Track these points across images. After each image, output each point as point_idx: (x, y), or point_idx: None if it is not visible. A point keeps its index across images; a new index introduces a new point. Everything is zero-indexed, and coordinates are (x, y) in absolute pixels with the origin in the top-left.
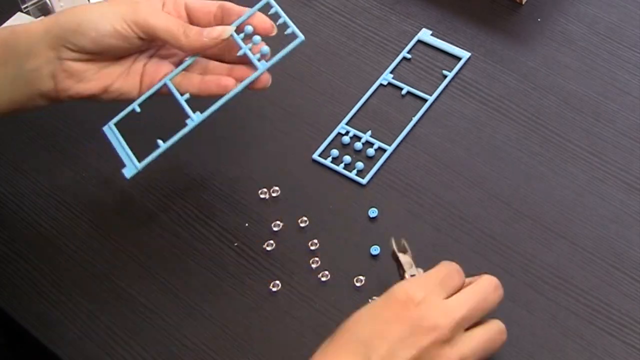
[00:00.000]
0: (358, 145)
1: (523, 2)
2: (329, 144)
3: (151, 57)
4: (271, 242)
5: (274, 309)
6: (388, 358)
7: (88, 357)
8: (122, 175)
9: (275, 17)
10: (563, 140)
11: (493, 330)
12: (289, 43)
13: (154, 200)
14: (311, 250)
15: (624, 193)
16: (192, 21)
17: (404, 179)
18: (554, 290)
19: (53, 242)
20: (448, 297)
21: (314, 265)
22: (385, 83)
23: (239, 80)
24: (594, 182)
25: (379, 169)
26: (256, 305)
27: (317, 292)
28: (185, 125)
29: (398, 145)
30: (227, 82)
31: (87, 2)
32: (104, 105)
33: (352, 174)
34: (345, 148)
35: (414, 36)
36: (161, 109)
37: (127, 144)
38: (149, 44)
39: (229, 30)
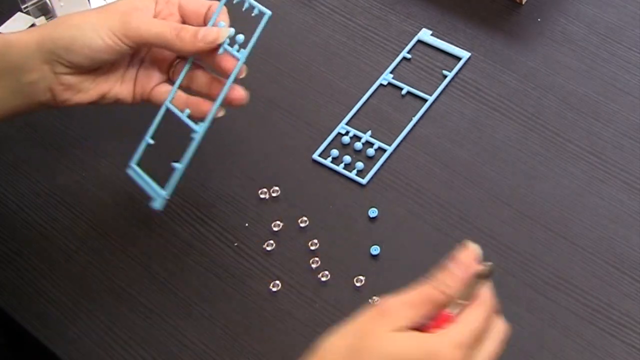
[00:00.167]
0: (358, 145)
1: (523, 2)
2: (329, 144)
3: (142, 61)
4: (271, 242)
5: (274, 309)
6: None
7: (88, 357)
8: (152, 206)
9: (240, 4)
10: (563, 140)
11: (499, 335)
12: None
13: None
14: (311, 250)
15: (624, 193)
16: (184, 20)
17: (404, 179)
18: (554, 290)
19: (53, 242)
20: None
21: (314, 265)
22: (385, 83)
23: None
24: (594, 182)
25: (379, 169)
26: (256, 305)
27: (317, 292)
28: (191, 139)
29: (398, 145)
30: (206, 109)
31: (87, 2)
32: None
33: (352, 174)
34: (345, 148)
35: (414, 36)
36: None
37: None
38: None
39: (224, 34)
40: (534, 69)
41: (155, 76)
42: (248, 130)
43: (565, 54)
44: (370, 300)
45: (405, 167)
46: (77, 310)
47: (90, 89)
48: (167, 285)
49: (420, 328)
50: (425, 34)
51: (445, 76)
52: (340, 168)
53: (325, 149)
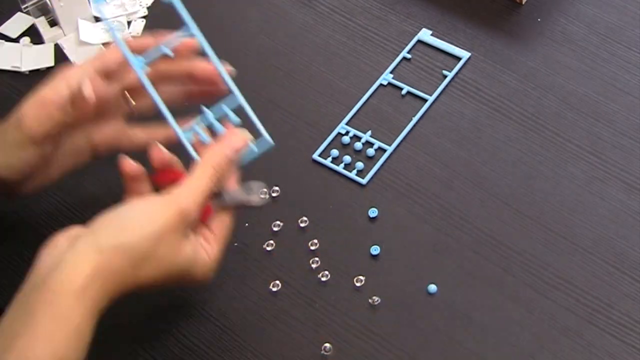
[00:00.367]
0: (358, 145)
1: (523, 2)
2: (329, 144)
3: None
4: (271, 242)
5: (274, 309)
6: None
7: (88, 357)
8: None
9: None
10: (563, 140)
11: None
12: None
13: None
14: (311, 250)
15: (624, 193)
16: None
17: (404, 179)
18: (554, 290)
19: None
20: None
21: (314, 265)
22: (385, 83)
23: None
24: (594, 182)
25: (379, 169)
26: (256, 305)
27: (317, 292)
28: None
29: (398, 145)
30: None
31: (87, 2)
32: None
33: (352, 174)
34: (345, 148)
35: (414, 36)
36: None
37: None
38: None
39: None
40: (534, 69)
41: (111, 125)
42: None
43: (565, 54)
44: (370, 300)
45: (405, 167)
46: None
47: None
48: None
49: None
50: (425, 34)
51: (445, 76)
52: (340, 168)
53: (325, 149)
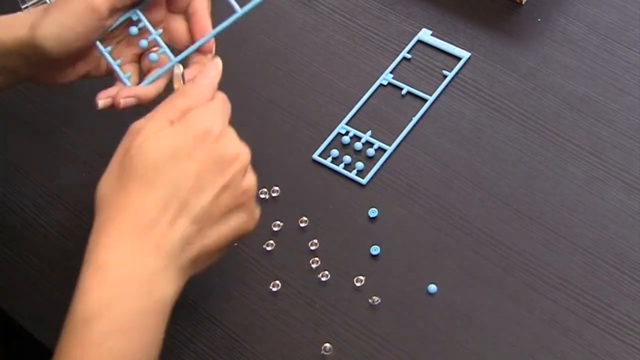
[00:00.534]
0: (358, 145)
1: (523, 2)
2: (329, 144)
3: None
4: (271, 242)
5: (274, 309)
6: (198, 191)
7: None
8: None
9: None
10: (563, 140)
11: None
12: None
13: None
14: (311, 250)
15: (624, 193)
16: None
17: (404, 179)
18: (554, 290)
19: (53, 242)
20: None
21: (314, 265)
22: (385, 83)
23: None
24: (594, 182)
25: (379, 169)
26: (256, 305)
27: (317, 292)
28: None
29: (398, 145)
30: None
31: None
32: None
33: (352, 174)
34: (345, 148)
35: (414, 36)
36: None
37: None
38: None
39: None
40: (534, 69)
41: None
42: (248, 130)
43: (565, 54)
44: (370, 300)
45: (405, 167)
46: None
47: (70, 74)
48: None
49: None
50: (425, 34)
51: (445, 76)
52: (340, 168)
53: (325, 149)
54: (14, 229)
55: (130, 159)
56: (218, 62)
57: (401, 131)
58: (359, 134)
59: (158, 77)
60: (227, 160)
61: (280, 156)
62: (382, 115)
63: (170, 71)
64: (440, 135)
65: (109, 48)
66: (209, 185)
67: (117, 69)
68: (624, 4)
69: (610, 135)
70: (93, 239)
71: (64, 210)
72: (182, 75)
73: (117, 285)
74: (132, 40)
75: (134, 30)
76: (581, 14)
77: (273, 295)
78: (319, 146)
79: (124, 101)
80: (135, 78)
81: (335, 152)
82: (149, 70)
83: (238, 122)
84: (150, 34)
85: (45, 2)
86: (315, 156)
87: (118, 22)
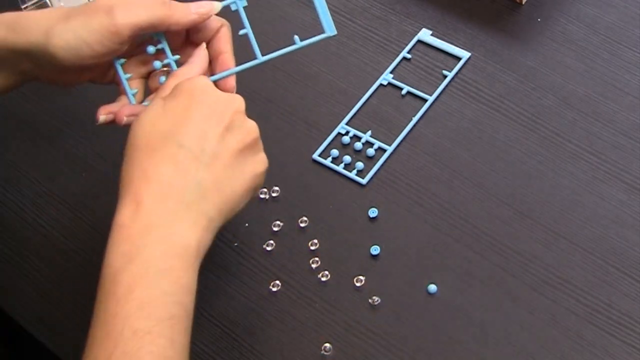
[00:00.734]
0: (358, 145)
1: (523, 2)
2: (329, 144)
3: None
4: (271, 242)
5: (274, 309)
6: (200, 138)
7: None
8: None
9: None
10: (563, 140)
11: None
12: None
13: None
14: (311, 250)
15: (624, 193)
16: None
17: (404, 179)
18: (554, 290)
19: (53, 242)
20: None
21: (314, 265)
22: (385, 83)
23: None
24: (594, 182)
25: (379, 169)
26: (256, 305)
27: (317, 292)
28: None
29: (398, 145)
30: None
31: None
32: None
33: (352, 174)
34: (345, 148)
35: (414, 36)
36: None
37: None
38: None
39: (218, 5)
40: (534, 69)
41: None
42: None
43: (565, 54)
44: (370, 300)
45: (405, 167)
46: (77, 310)
47: (74, 79)
48: None
49: None
50: (425, 34)
51: (445, 76)
52: (340, 168)
53: (325, 149)
54: (14, 229)
55: (131, 137)
56: (203, 46)
57: (401, 131)
58: (359, 134)
59: None
60: (222, 103)
61: (280, 156)
62: (382, 115)
63: None
64: (440, 135)
65: (122, 60)
66: (210, 129)
67: (126, 84)
68: (624, 4)
69: (610, 135)
70: (116, 211)
71: (64, 210)
72: None
73: (138, 238)
74: (145, 58)
75: (151, 49)
76: (581, 14)
77: (273, 295)
78: (319, 146)
79: (127, 119)
80: (140, 96)
81: (335, 152)
82: (154, 90)
83: None
84: (167, 57)
85: (45, 2)
86: (315, 156)
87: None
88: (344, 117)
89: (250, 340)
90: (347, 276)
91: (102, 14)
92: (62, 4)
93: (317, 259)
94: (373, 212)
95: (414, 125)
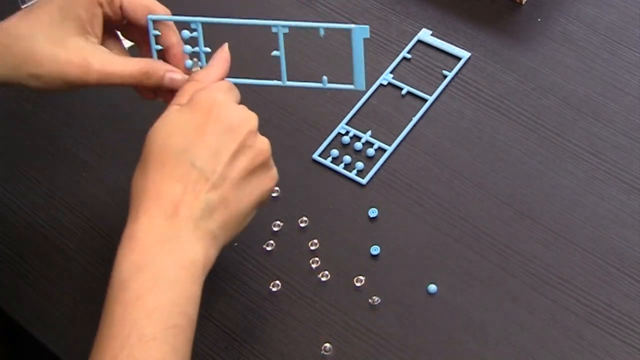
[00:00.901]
0: (358, 145)
1: (523, 2)
2: (329, 144)
3: None
4: (271, 242)
5: (274, 309)
6: (213, 158)
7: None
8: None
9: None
10: (563, 140)
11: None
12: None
13: None
14: (311, 250)
15: (624, 193)
16: (127, 16)
17: (404, 179)
18: (554, 290)
19: (53, 242)
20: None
21: (314, 265)
22: (385, 83)
23: None
24: (594, 182)
25: (379, 169)
26: (256, 305)
27: (317, 292)
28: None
29: (398, 145)
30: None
31: None
32: (104, 106)
33: (352, 174)
34: (345, 148)
35: (414, 36)
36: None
37: None
38: None
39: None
40: (534, 69)
41: None
42: None
43: (565, 54)
44: (370, 300)
45: (405, 167)
46: (77, 310)
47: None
48: None
49: None
50: (425, 34)
51: (445, 76)
52: (340, 168)
53: (325, 149)
54: (14, 229)
55: (146, 146)
56: (225, 47)
57: (401, 131)
58: (359, 134)
59: None
60: (235, 124)
61: (280, 156)
62: (382, 115)
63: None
64: (440, 135)
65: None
66: (222, 151)
67: (152, 41)
68: (624, 4)
69: (610, 135)
70: (127, 223)
71: (64, 210)
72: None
73: (148, 249)
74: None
75: (186, 34)
76: (581, 14)
77: (273, 295)
78: (319, 146)
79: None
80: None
81: (335, 152)
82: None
83: None
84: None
85: None
86: (315, 156)
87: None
88: (344, 117)
89: (250, 340)
90: (347, 276)
91: (77, 69)
92: None
93: (317, 259)
94: (373, 212)
95: (414, 125)
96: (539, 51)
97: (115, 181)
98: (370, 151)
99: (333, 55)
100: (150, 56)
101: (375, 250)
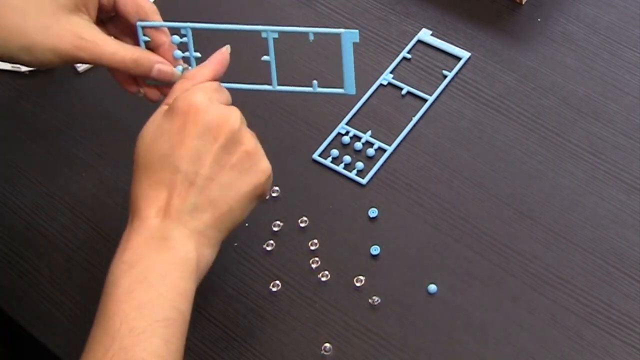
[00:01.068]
0: (358, 145)
1: (523, 2)
2: (329, 144)
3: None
4: (271, 242)
5: (274, 309)
6: (195, 160)
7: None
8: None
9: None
10: (563, 140)
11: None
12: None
13: None
14: (311, 250)
15: (624, 193)
16: (117, 8)
17: (404, 179)
18: (554, 290)
19: (53, 242)
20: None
21: (314, 265)
22: (385, 83)
23: None
24: (594, 182)
25: (379, 169)
26: (256, 305)
27: (317, 292)
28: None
29: (398, 145)
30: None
31: None
32: (104, 106)
33: (352, 174)
34: (345, 148)
35: (414, 36)
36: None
37: None
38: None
39: (177, 75)
40: (534, 69)
41: None
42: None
43: (565, 54)
44: (370, 300)
45: (405, 167)
46: (77, 310)
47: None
48: None
49: None
50: (425, 34)
51: (445, 76)
52: (340, 168)
53: (325, 149)
54: (14, 229)
55: (135, 152)
56: (225, 49)
57: (401, 131)
58: (359, 134)
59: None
60: (213, 124)
61: (280, 156)
62: (382, 115)
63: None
64: (440, 135)
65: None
66: (205, 152)
67: (140, 32)
68: (624, 4)
69: (610, 135)
70: (124, 231)
71: (64, 210)
72: None
73: (140, 248)
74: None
75: (176, 39)
76: (581, 14)
77: (273, 295)
78: (319, 146)
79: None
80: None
81: (335, 152)
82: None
83: None
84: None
85: None
86: (315, 156)
87: (169, 25)
88: (344, 117)
89: (250, 340)
90: (347, 276)
91: (69, 43)
92: None
93: (317, 259)
94: (373, 212)
95: (414, 125)
96: (539, 51)
97: (115, 181)
98: (370, 151)
99: (326, 58)
100: None
101: (375, 250)
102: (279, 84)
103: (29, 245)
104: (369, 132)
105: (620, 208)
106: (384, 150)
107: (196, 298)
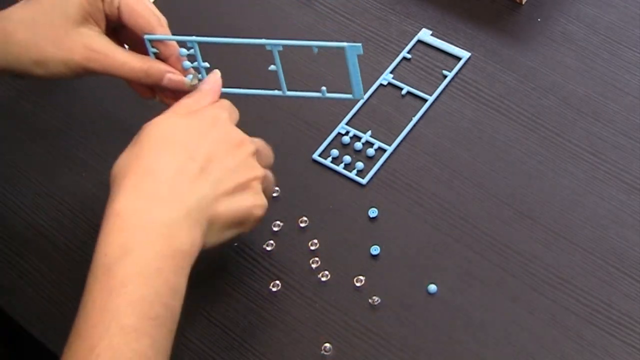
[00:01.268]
0: (358, 145)
1: (523, 2)
2: (329, 144)
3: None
4: (271, 242)
5: (274, 309)
6: (213, 161)
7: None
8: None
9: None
10: (563, 140)
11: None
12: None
13: None
14: (311, 250)
15: (624, 193)
16: (122, 18)
17: (404, 179)
18: (554, 290)
19: (53, 242)
20: None
21: (314, 265)
22: (385, 83)
23: None
24: (594, 182)
25: (379, 169)
26: (256, 305)
27: (317, 292)
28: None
29: (398, 145)
30: None
31: None
32: (104, 105)
33: (352, 174)
34: (345, 148)
35: (414, 36)
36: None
37: None
38: None
39: (187, 83)
40: (534, 69)
41: None
42: (248, 130)
43: (565, 54)
44: (370, 300)
45: (405, 167)
46: (77, 310)
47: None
48: None
49: None
50: (425, 34)
51: (445, 76)
52: (340, 168)
53: (325, 149)
54: (14, 229)
55: (141, 135)
56: (217, 72)
57: (401, 131)
58: (359, 134)
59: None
60: (235, 142)
61: (280, 156)
62: (382, 115)
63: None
64: (440, 135)
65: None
66: (223, 158)
67: (149, 45)
68: (624, 4)
69: (610, 135)
70: (110, 199)
71: (64, 210)
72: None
73: (138, 232)
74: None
75: (183, 51)
76: (581, 14)
77: (273, 295)
78: (319, 146)
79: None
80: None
81: (335, 152)
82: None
83: (238, 122)
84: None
85: None
86: (315, 156)
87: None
88: (344, 117)
89: (250, 340)
90: (347, 276)
91: (80, 55)
92: None
93: (317, 259)
94: (373, 212)
95: (414, 125)
96: (539, 51)
97: None
98: (370, 151)
99: (333, 55)
100: None
101: (375, 250)
102: (287, 90)
103: (29, 246)
104: (369, 132)
105: (620, 208)
106: (384, 150)
107: (196, 298)
